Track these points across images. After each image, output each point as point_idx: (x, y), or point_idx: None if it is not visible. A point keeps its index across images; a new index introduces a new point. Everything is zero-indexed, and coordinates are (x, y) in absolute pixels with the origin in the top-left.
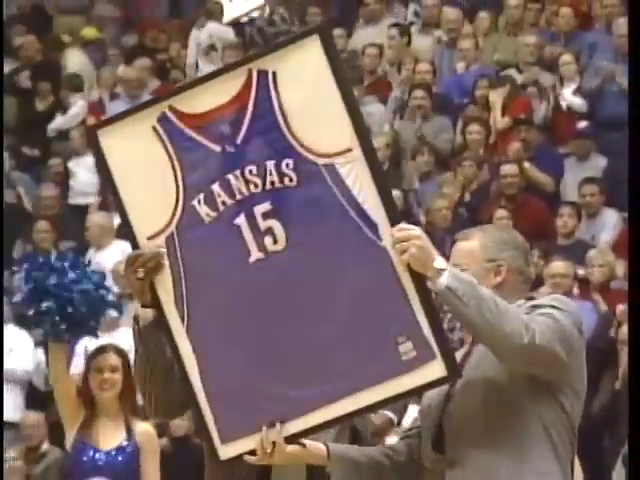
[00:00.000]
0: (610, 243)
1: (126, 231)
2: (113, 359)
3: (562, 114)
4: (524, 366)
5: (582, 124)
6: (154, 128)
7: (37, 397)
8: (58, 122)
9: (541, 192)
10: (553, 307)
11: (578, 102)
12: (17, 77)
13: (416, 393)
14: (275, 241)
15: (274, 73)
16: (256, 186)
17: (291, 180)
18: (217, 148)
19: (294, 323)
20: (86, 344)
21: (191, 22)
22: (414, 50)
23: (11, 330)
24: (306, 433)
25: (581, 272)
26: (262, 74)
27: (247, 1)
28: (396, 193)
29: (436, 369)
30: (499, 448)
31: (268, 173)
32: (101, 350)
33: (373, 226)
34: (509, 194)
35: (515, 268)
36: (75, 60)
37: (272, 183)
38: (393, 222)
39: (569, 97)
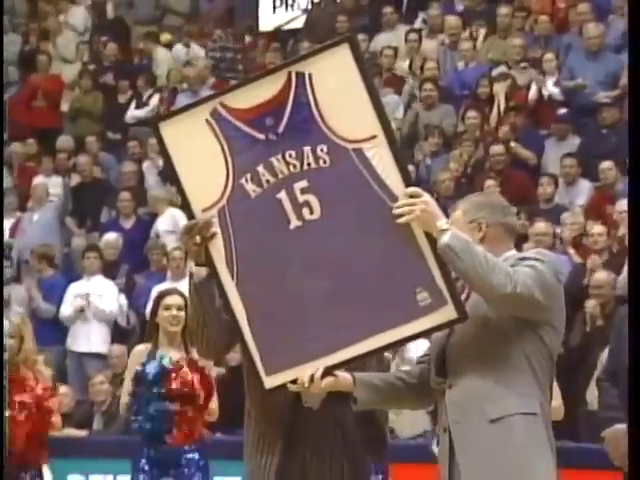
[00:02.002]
0: (584, 206)
1: (184, 206)
2: (179, 299)
3: (544, 102)
4: (509, 310)
5: (561, 110)
6: (207, 121)
7: (120, 333)
8: (135, 112)
9: (526, 165)
10: (536, 259)
11: (557, 92)
12: (103, 76)
13: (432, 332)
14: (311, 212)
15: (310, 75)
16: (295, 167)
17: (325, 162)
18: (261, 136)
19: (328, 276)
20: (159, 289)
21: (242, 31)
22: (423, 51)
23: (100, 279)
24: (337, 367)
25: (559, 230)
26: (300, 75)
27: (287, 12)
28: (410, 168)
29: (448, 312)
30: (487, 373)
31: (305, 156)
32: (169, 292)
33: (395, 198)
34: (497, 169)
35: (493, 222)
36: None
37: (309, 164)
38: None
39: (550, 88)
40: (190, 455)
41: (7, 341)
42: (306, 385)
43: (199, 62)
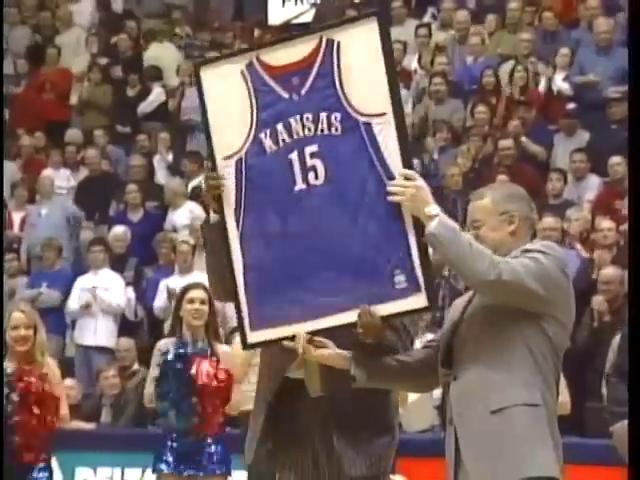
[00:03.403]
0: (593, 202)
1: (208, 152)
2: (202, 293)
3: (553, 97)
4: (497, 297)
5: (570, 106)
6: (242, 72)
7: (128, 326)
8: (143, 106)
9: (535, 161)
10: (540, 251)
11: (566, 87)
12: (111, 69)
13: (401, 317)
14: (316, 177)
15: (339, 43)
16: (309, 130)
17: (336, 130)
18: (286, 95)
19: (320, 243)
20: (167, 283)
21: (252, 24)
22: (432, 45)
23: (107, 273)
24: (318, 333)
25: (567, 225)
26: (330, 42)
27: (296, 6)
28: (415, 161)
29: (419, 300)
30: (490, 365)
31: (320, 121)
32: (193, 286)
33: (391, 178)
34: (506, 164)
35: (524, 216)
36: (160, 53)
37: (322, 130)
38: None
39: (559, 83)
40: (212, 447)
41: (21, 331)
42: (299, 350)
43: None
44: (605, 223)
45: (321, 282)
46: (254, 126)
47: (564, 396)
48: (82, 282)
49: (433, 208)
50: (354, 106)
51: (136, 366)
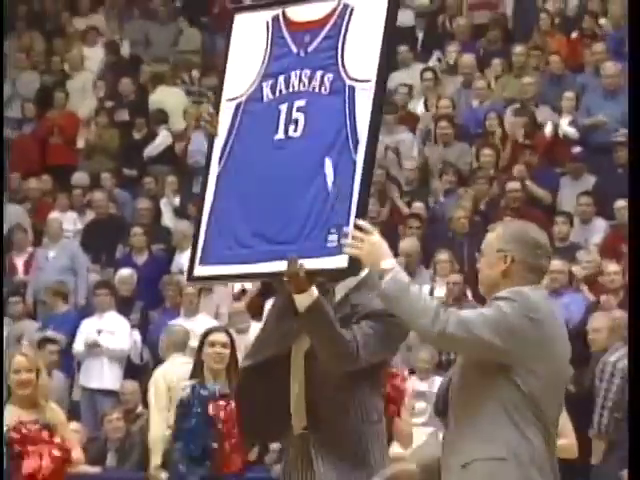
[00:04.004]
0: (599, 245)
1: (217, 91)
2: (224, 337)
3: (559, 141)
4: (448, 349)
5: (576, 149)
6: (267, 23)
7: (133, 369)
8: (149, 149)
9: (541, 204)
10: (504, 299)
11: (572, 132)
12: (118, 113)
13: (324, 274)
14: (295, 129)
15: (352, 8)
16: (304, 85)
17: (325, 89)
18: (295, 50)
19: (280, 193)
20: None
21: None
22: (438, 89)
23: (112, 316)
24: (254, 277)
25: (574, 269)
26: (345, 6)
27: None
28: (420, 205)
29: (341, 260)
30: (463, 417)
31: (315, 79)
32: (214, 329)
33: (356, 142)
34: (513, 206)
35: (520, 258)
36: (166, 97)
37: (313, 87)
38: (371, 144)
39: (565, 127)
40: None
41: (22, 375)
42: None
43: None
44: (612, 267)
45: (270, 230)
46: (261, 75)
47: (570, 439)
48: (88, 325)
49: (388, 262)
50: (346, 69)
51: (140, 409)
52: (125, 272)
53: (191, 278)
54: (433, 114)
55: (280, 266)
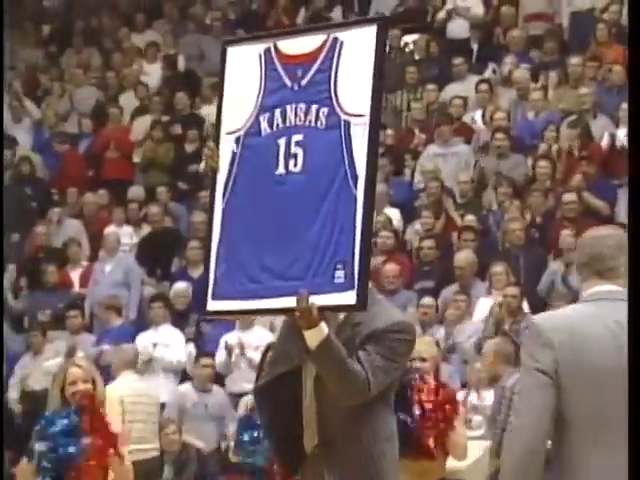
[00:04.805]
0: None
1: (216, 124)
2: None
3: (616, 151)
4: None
5: None
6: (260, 55)
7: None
8: (204, 163)
9: (598, 215)
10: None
11: None
12: (172, 127)
13: (333, 310)
14: (295, 164)
15: (342, 42)
16: (300, 120)
17: (321, 124)
18: (289, 83)
19: (285, 228)
20: (227, 339)
21: None
22: (494, 101)
23: (167, 329)
24: (267, 312)
25: None
26: (335, 40)
27: None
28: (472, 217)
29: (350, 297)
30: None
31: (311, 113)
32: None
33: (355, 177)
34: (569, 217)
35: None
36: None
37: (310, 122)
38: (369, 179)
39: (623, 138)
40: None
41: (79, 386)
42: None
43: None
44: None
45: (278, 265)
46: (257, 108)
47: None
48: (143, 338)
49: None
50: (340, 103)
51: None
52: (180, 286)
53: (205, 313)
54: (489, 126)
55: (291, 302)
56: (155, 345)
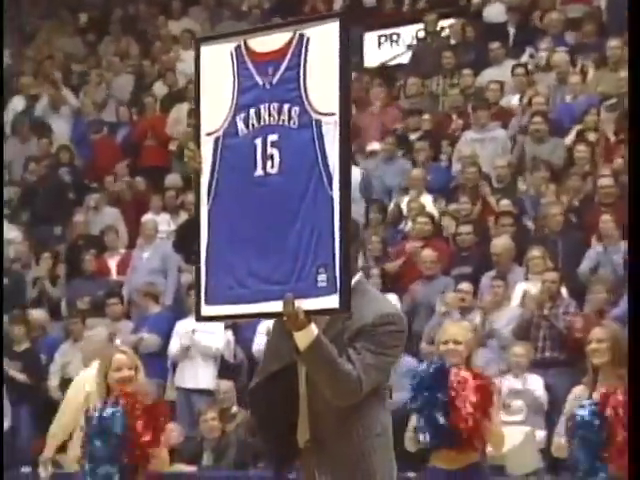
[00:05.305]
0: None
1: (196, 125)
2: None
3: None
4: None
5: None
6: (231, 53)
7: (227, 369)
8: None
9: None
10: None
11: None
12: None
13: (318, 314)
14: (272, 165)
15: (308, 38)
16: (274, 119)
17: (294, 123)
18: (261, 82)
19: (267, 231)
20: (268, 325)
21: None
22: (531, 84)
23: None
24: (258, 317)
25: None
26: (301, 36)
27: (392, 48)
28: (507, 202)
29: (333, 301)
30: None
31: (283, 112)
32: None
33: (329, 177)
34: (607, 202)
35: None
36: None
37: (283, 121)
38: (344, 179)
39: None
40: None
41: (124, 373)
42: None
43: None
44: None
45: (263, 269)
46: (233, 108)
47: None
48: (182, 326)
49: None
50: (311, 102)
51: (235, 408)
52: None
53: (200, 318)
54: (527, 109)
55: (278, 306)
56: (194, 332)
